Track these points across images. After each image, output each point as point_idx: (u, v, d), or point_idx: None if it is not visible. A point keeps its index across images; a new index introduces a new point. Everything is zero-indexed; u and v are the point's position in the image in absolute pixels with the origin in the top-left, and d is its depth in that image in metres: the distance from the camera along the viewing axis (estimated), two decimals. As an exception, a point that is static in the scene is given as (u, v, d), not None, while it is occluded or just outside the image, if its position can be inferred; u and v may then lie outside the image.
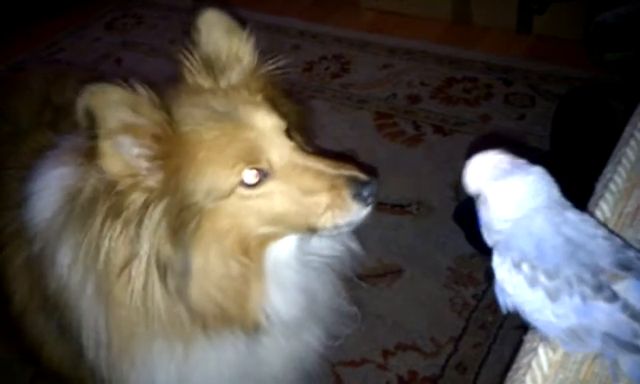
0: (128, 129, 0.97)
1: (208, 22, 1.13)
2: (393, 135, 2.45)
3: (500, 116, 2.47)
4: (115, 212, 1.00)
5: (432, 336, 1.76)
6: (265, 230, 1.09)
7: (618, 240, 0.67)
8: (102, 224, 1.01)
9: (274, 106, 1.13)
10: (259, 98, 1.12)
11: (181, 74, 1.15)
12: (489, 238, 0.71)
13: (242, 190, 1.04)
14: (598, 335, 0.64)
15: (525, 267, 0.66)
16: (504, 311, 0.71)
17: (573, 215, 0.67)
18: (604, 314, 0.63)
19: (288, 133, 1.10)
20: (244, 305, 1.11)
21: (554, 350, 0.70)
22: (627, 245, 0.67)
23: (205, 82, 1.13)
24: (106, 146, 0.96)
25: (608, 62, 2.56)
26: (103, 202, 1.00)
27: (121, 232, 1.01)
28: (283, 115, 1.12)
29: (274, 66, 1.21)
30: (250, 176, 1.04)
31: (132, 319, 1.08)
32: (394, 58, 2.86)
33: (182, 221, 1.02)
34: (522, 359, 0.71)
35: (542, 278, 0.65)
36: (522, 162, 0.70)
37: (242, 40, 1.16)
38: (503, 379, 0.72)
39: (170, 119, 1.02)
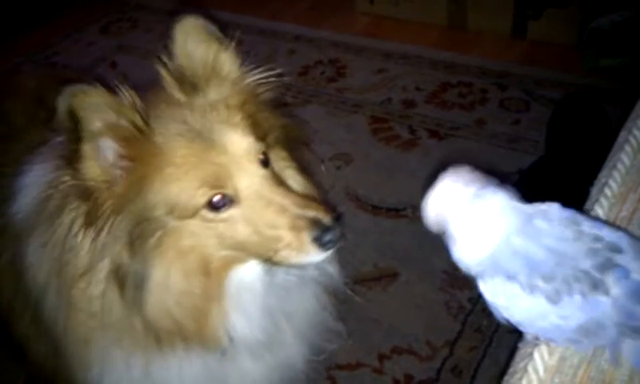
0: (110, 130, 0.97)
1: (185, 32, 1.11)
2: (388, 139, 2.46)
3: (495, 121, 2.47)
4: (86, 217, 1.01)
5: (428, 339, 1.77)
6: (226, 253, 1.08)
7: (587, 232, 0.66)
8: (70, 224, 1.02)
9: (255, 124, 1.10)
10: (238, 117, 1.08)
11: (161, 84, 1.13)
12: (462, 267, 0.70)
13: (205, 213, 1.03)
14: (612, 325, 0.64)
15: (521, 276, 0.66)
16: (504, 323, 0.70)
17: (543, 223, 0.67)
18: (610, 306, 0.63)
19: (264, 156, 1.09)
20: (203, 324, 1.10)
21: (550, 354, 0.71)
22: (596, 234, 0.66)
23: (180, 96, 1.10)
24: (87, 148, 0.96)
25: (602, 67, 2.57)
26: (74, 202, 1.01)
27: (85, 234, 1.02)
28: (263, 135, 1.10)
29: (258, 76, 1.18)
30: (215, 200, 1.03)
31: (89, 324, 1.09)
32: (389, 63, 2.87)
33: (142, 232, 1.02)
34: (518, 363, 0.71)
35: (540, 283, 0.65)
36: (477, 185, 0.68)
37: (221, 50, 1.13)
38: (499, 383, 0.72)
39: (146, 124, 1.01)
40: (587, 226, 0.68)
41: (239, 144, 1.05)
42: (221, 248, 1.07)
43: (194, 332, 1.10)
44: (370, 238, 2.06)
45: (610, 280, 0.64)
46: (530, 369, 0.70)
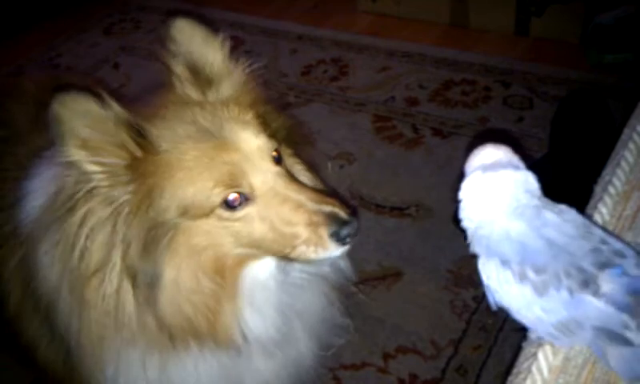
0: (88, 145, 0.97)
1: (183, 31, 1.10)
2: (391, 138, 2.45)
3: (498, 118, 2.47)
4: (92, 209, 1.00)
5: (432, 339, 1.76)
6: (241, 251, 1.08)
7: (597, 235, 0.67)
8: (81, 221, 1.01)
9: (265, 123, 1.10)
10: (249, 115, 1.09)
11: (169, 84, 1.12)
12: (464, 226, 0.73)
13: (220, 212, 1.03)
14: (589, 328, 0.64)
15: (513, 264, 0.67)
16: (494, 309, 0.71)
17: (552, 216, 0.67)
18: (593, 308, 0.63)
19: (277, 154, 1.09)
20: (214, 322, 1.10)
21: (554, 354, 0.70)
22: (606, 239, 0.67)
23: (192, 93, 1.10)
24: (75, 153, 0.96)
25: (606, 63, 2.56)
26: (83, 198, 1.00)
27: (96, 231, 1.01)
28: (273, 133, 1.10)
29: (257, 67, 1.18)
30: (230, 199, 1.02)
31: (103, 322, 1.08)
32: (391, 61, 2.86)
33: (154, 236, 1.01)
34: (522, 364, 0.71)
35: (530, 273, 0.65)
36: (510, 160, 0.71)
37: (223, 49, 1.13)
38: (504, 382, 0.72)
39: (144, 141, 1.00)
40: (599, 231, 0.68)
41: (252, 142, 1.05)
42: (236, 246, 1.07)
43: (207, 330, 1.09)
44: (373, 237, 2.05)
45: (606, 276, 0.63)
46: (534, 369, 0.69)
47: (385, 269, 1.97)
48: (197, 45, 1.11)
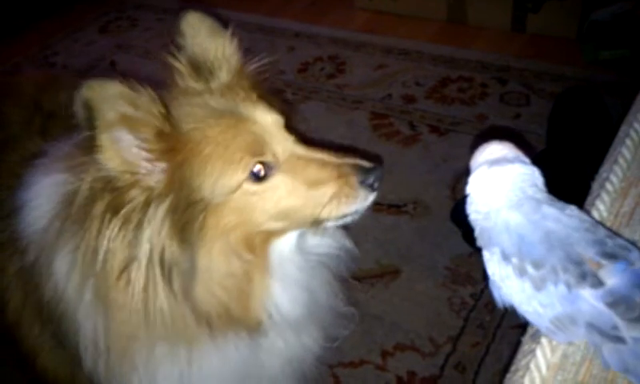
0: (126, 121, 0.95)
1: (192, 25, 1.13)
2: (388, 135, 2.45)
3: (496, 115, 2.47)
4: (113, 209, 0.98)
5: (430, 336, 1.76)
6: (270, 225, 1.09)
7: (602, 231, 0.67)
8: (100, 223, 0.99)
9: (269, 103, 1.13)
10: (255, 95, 1.11)
11: (172, 78, 1.14)
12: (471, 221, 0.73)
13: (248, 185, 1.04)
14: (582, 324, 0.65)
15: (513, 259, 0.67)
16: (499, 306, 0.71)
17: (553, 210, 0.68)
18: (587, 304, 0.64)
19: (287, 127, 1.11)
20: (247, 304, 1.11)
21: (553, 351, 0.70)
22: (611, 235, 0.67)
23: (196, 84, 1.12)
24: (104, 138, 0.93)
25: (602, 60, 2.56)
26: (101, 200, 0.98)
27: (119, 231, 0.99)
28: (279, 112, 1.12)
29: (259, 65, 1.21)
30: (256, 170, 1.04)
31: (132, 322, 1.07)
32: (389, 58, 2.86)
33: (188, 218, 1.01)
34: (520, 361, 0.71)
35: (529, 269, 0.66)
36: (517, 155, 0.71)
37: (225, 40, 1.15)
38: (502, 379, 0.72)
39: (170, 117, 1.00)
40: (603, 229, 0.68)
41: (266, 116, 1.08)
42: (264, 220, 1.08)
43: (240, 313, 1.10)
44: (371, 234, 2.05)
45: (610, 269, 0.63)
46: (532, 366, 0.69)
47: (383, 266, 1.97)
48: (203, 37, 1.13)
